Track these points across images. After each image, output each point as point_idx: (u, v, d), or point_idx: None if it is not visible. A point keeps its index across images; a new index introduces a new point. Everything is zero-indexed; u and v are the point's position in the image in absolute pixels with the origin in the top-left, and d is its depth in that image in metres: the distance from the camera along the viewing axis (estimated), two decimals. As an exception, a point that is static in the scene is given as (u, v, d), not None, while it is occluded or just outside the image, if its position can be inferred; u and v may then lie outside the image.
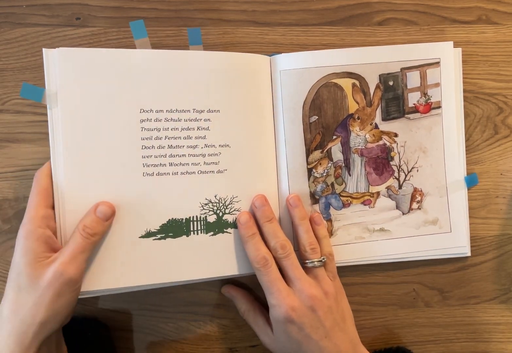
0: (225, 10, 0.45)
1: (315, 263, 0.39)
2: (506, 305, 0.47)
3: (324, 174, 0.42)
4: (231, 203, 0.40)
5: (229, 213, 0.40)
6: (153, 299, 0.44)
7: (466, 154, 0.46)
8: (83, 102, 0.37)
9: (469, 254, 0.45)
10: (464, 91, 0.46)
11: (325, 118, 0.42)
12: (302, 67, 0.41)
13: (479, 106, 0.47)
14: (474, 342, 0.47)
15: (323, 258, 0.39)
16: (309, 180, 0.42)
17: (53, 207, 0.36)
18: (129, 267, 0.37)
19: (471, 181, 0.45)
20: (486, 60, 0.46)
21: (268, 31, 0.45)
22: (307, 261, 0.39)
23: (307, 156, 0.42)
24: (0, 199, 0.43)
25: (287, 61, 0.41)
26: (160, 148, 0.38)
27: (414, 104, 0.44)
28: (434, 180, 0.44)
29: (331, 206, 0.43)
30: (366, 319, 0.46)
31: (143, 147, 0.38)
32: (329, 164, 0.43)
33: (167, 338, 0.45)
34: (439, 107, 0.44)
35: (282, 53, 0.41)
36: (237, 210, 0.40)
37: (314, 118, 0.42)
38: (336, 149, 0.43)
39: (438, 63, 0.43)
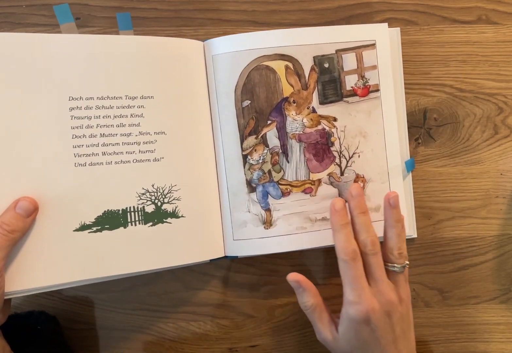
0: (225, 10, 0.45)
1: (398, 268, 0.38)
2: (506, 305, 0.47)
3: (260, 161, 0.41)
4: (170, 192, 0.39)
5: (168, 202, 0.39)
6: (153, 299, 0.44)
7: (466, 154, 0.46)
8: (6, 89, 0.34)
9: (415, 235, 0.45)
10: (464, 91, 0.46)
11: (258, 102, 0.41)
12: (233, 51, 0.40)
13: (479, 106, 0.47)
14: (474, 342, 0.47)
15: (406, 264, 0.38)
16: (244, 167, 0.41)
17: None
18: (63, 263, 0.36)
19: (411, 165, 0.44)
20: (486, 60, 0.46)
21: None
22: (389, 264, 0.38)
23: (242, 142, 0.41)
24: None
25: (219, 45, 0.40)
26: (92, 137, 0.36)
27: (352, 87, 0.42)
28: (376, 166, 0.43)
29: (269, 195, 0.41)
30: (366, 319, 0.46)
31: (74, 136, 0.36)
32: (265, 151, 0.41)
33: (167, 338, 0.45)
34: (378, 90, 0.43)
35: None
36: (177, 199, 0.39)
37: (246, 102, 0.40)
38: (272, 134, 0.41)
39: (373, 45, 0.42)
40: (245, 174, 0.41)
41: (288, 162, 0.42)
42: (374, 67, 0.43)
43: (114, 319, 0.44)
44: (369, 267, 0.37)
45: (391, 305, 0.36)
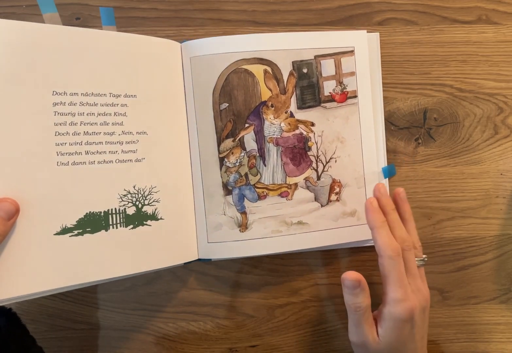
0: (225, 10, 0.45)
1: (420, 261, 0.38)
2: (506, 305, 0.47)
3: (237, 164, 0.41)
4: (150, 194, 0.38)
5: (148, 204, 0.38)
6: (153, 299, 0.44)
7: (466, 154, 0.46)
8: None
9: None
10: (464, 91, 0.46)
11: (236, 105, 0.41)
12: (212, 53, 0.40)
13: (479, 106, 0.47)
14: (474, 342, 0.47)
15: (425, 257, 0.39)
16: (221, 169, 0.41)
17: None
18: (44, 269, 0.33)
19: (389, 172, 0.45)
20: (486, 60, 0.46)
21: (268, 31, 0.45)
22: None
23: (219, 144, 0.41)
24: (0, 199, 0.43)
25: (197, 47, 0.40)
26: (75, 135, 0.35)
27: (330, 92, 0.43)
28: (352, 171, 0.43)
29: (245, 198, 0.41)
30: (366, 319, 0.46)
31: (57, 133, 0.34)
32: (242, 154, 0.41)
33: (167, 338, 0.45)
34: (355, 96, 0.43)
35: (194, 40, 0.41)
36: (156, 201, 0.38)
37: (224, 105, 0.41)
38: (249, 137, 0.41)
39: (352, 51, 0.43)
40: (221, 176, 0.41)
41: (265, 165, 0.42)
42: (353, 73, 0.43)
43: (114, 319, 0.44)
44: (407, 263, 0.37)
45: (426, 301, 0.37)
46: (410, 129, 0.46)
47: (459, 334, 0.47)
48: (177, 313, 0.44)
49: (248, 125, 0.41)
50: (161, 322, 0.44)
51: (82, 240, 0.35)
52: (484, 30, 0.46)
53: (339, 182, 0.43)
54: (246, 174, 0.41)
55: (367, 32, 0.44)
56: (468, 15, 0.46)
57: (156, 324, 0.44)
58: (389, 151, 0.45)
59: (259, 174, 0.42)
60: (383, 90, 0.45)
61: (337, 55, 0.42)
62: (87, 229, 0.35)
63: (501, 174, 0.47)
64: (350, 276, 0.35)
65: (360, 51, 0.43)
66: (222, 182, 0.41)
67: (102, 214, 0.36)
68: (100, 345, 0.44)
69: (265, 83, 0.41)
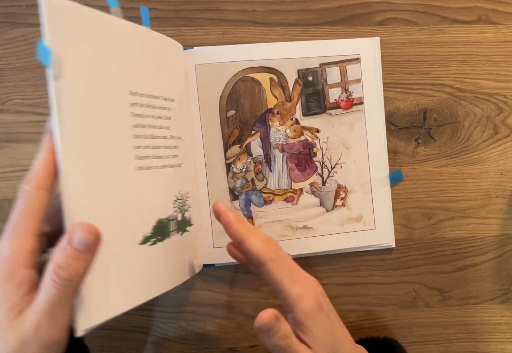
0: (225, 10, 0.45)
1: (290, 255, 0.37)
2: (506, 305, 0.47)
3: (244, 170, 0.42)
4: (187, 199, 0.38)
5: (187, 210, 0.38)
6: (153, 299, 0.44)
7: (466, 154, 0.46)
8: (84, 74, 0.28)
9: (393, 245, 0.45)
10: (464, 91, 0.46)
11: (242, 113, 0.42)
12: (218, 62, 0.41)
13: (479, 106, 0.46)
14: (474, 342, 0.47)
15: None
16: (227, 175, 0.42)
17: (41, 232, 0.26)
18: (134, 283, 0.31)
19: (395, 177, 0.45)
20: (486, 60, 0.46)
21: (268, 31, 0.45)
22: None
23: (225, 151, 0.42)
24: (0, 199, 0.43)
25: (202, 55, 0.41)
26: (145, 138, 0.33)
27: (335, 99, 0.43)
28: (358, 177, 0.44)
29: (251, 203, 0.42)
30: (366, 319, 0.46)
31: (135, 136, 0.32)
32: (249, 160, 0.42)
33: (167, 338, 0.45)
34: (361, 103, 0.44)
35: (195, 47, 0.41)
36: (189, 207, 0.38)
37: (231, 112, 0.42)
38: (255, 144, 0.42)
39: (358, 59, 0.43)
40: (228, 182, 0.42)
41: (271, 171, 0.43)
42: (358, 80, 0.43)
43: (114, 319, 0.44)
44: (286, 259, 0.33)
45: (319, 285, 0.33)
46: (410, 129, 0.46)
47: (459, 334, 0.47)
48: (177, 313, 0.44)
49: (254, 132, 0.42)
50: (161, 322, 0.44)
51: (156, 249, 0.33)
52: (484, 30, 0.46)
53: (345, 187, 0.44)
54: (252, 180, 0.42)
55: (367, 33, 0.44)
56: (468, 15, 0.46)
57: (156, 324, 0.44)
58: (389, 151, 0.45)
59: (265, 179, 0.43)
60: (383, 90, 0.45)
61: (342, 63, 0.43)
62: (158, 237, 0.33)
63: (501, 174, 0.47)
64: (265, 317, 0.30)
65: (366, 58, 0.43)
66: (229, 188, 0.42)
67: (166, 220, 0.35)
68: (101, 345, 0.44)
69: (271, 91, 0.42)
